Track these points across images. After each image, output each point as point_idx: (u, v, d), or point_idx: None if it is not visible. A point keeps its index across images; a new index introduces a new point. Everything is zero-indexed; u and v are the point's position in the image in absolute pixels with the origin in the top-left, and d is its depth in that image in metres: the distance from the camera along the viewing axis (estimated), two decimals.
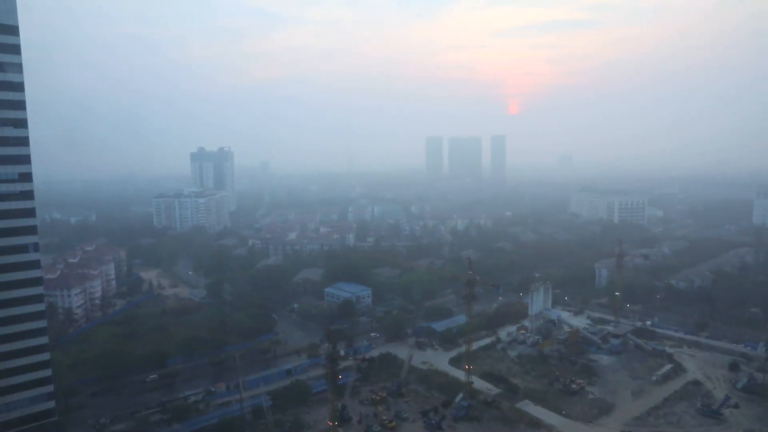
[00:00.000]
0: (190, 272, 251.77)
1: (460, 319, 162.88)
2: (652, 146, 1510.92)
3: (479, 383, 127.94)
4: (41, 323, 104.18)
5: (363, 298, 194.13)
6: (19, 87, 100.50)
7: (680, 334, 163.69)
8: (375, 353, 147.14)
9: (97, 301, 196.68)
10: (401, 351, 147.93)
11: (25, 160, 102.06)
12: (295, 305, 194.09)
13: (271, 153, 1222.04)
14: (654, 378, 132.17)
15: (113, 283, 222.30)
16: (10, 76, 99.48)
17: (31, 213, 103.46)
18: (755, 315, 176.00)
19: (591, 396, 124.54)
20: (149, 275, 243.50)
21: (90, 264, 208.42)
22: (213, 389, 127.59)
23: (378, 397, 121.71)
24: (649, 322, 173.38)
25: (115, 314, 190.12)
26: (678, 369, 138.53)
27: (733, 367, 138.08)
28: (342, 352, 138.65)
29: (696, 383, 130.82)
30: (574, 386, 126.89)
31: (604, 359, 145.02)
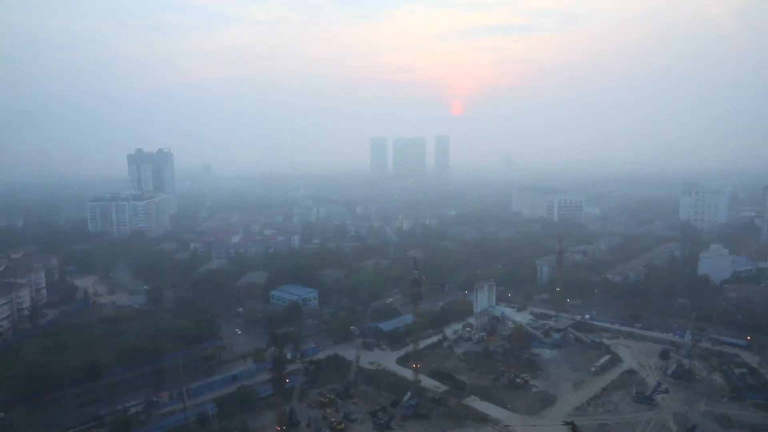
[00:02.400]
0: (128, 278, 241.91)
1: (407, 318, 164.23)
2: (587, 146, 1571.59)
3: (427, 381, 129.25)
4: None
5: (309, 300, 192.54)
6: None
7: (616, 326, 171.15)
8: (322, 355, 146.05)
9: (26, 312, 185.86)
10: (349, 352, 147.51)
11: None
12: (240, 309, 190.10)
13: (214, 154, 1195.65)
14: (593, 369, 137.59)
15: (44, 292, 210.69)
16: None
17: None
18: (683, 305, 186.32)
19: (535, 389, 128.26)
20: (84, 283, 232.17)
21: (17, 272, 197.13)
22: (155, 399, 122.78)
23: (326, 400, 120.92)
24: (588, 316, 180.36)
25: (46, 325, 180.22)
26: (615, 359, 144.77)
27: (664, 355, 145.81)
28: (289, 356, 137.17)
29: (631, 372, 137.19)
30: (518, 380, 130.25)
31: (547, 353, 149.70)
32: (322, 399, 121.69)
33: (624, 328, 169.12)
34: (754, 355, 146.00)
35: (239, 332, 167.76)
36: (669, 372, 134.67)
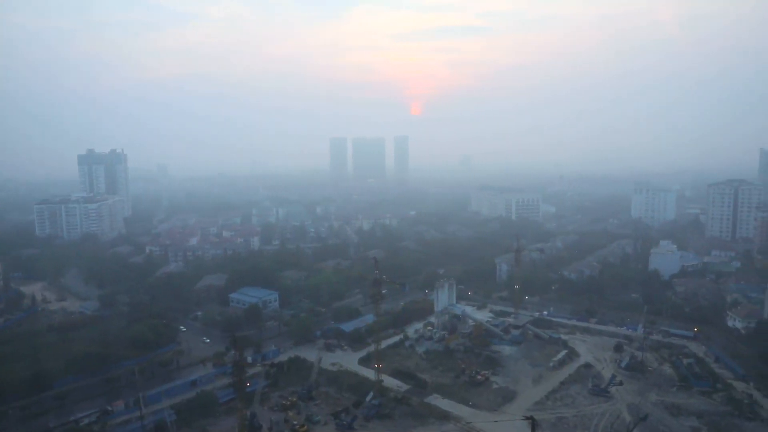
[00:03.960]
0: (80, 284, 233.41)
1: (369, 318, 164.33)
2: (543, 147, 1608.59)
3: (389, 381, 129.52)
4: None
5: (270, 302, 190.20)
6: None
7: (573, 322, 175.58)
8: (283, 357, 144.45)
9: None
10: (310, 354, 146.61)
11: None
12: (199, 313, 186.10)
13: (170, 155, 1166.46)
14: (551, 364, 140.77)
15: None
16: None
17: None
18: (635, 300, 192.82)
19: (495, 386, 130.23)
20: (32, 289, 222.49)
21: None
22: (110, 408, 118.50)
23: (288, 402, 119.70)
24: (545, 312, 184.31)
25: None
26: (572, 354, 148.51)
27: (618, 348, 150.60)
28: (249, 359, 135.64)
29: (587, 366, 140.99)
30: (479, 377, 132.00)
31: (506, 350, 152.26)
32: (283, 402, 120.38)
33: (580, 324, 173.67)
34: (700, 345, 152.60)
35: (207, 340, 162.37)
36: (623, 365, 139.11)
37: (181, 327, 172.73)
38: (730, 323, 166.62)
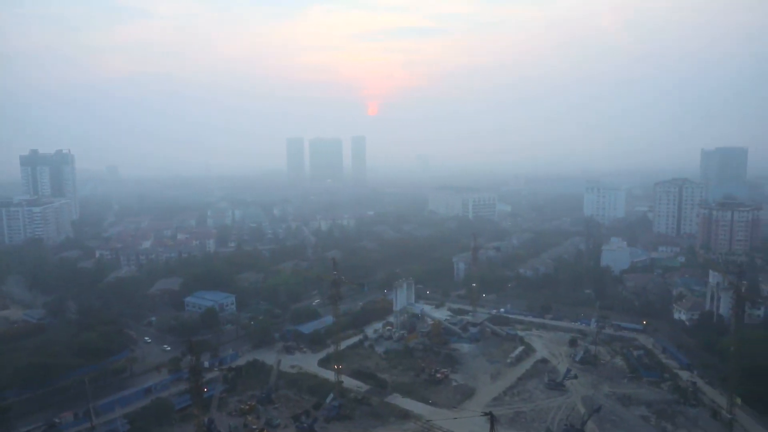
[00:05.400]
0: (24, 290, 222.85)
1: (328, 319, 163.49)
2: (498, 147, 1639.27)
3: (349, 382, 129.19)
4: None
5: (226, 305, 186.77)
6: None
7: (529, 318, 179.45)
8: (242, 361, 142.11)
9: None
10: (269, 357, 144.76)
11: None
12: (153, 318, 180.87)
13: (120, 156, 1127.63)
14: (508, 360, 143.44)
15: None
16: None
17: None
18: (588, 296, 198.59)
19: (455, 383, 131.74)
20: None
21: None
22: (57, 420, 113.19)
23: (247, 407, 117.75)
24: (502, 310, 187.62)
25: None
26: (528, 350, 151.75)
27: (572, 342, 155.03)
28: (206, 364, 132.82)
29: (543, 361, 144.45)
30: (438, 376, 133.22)
31: (465, 347, 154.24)
32: (242, 406, 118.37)
33: (536, 320, 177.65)
34: (649, 337, 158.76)
35: (167, 348, 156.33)
36: (577, 358, 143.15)
37: (133, 333, 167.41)
38: (676, 316, 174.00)
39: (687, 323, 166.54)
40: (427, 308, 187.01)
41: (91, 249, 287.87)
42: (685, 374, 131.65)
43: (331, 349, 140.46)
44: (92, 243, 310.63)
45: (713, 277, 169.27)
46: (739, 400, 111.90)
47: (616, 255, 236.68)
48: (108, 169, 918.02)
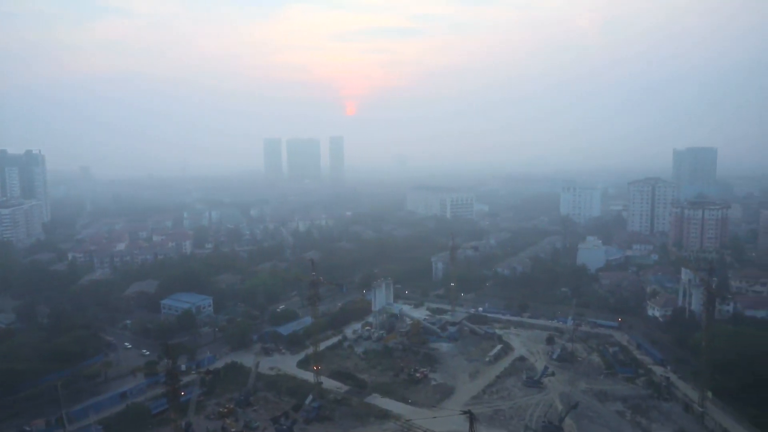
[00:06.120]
0: None
1: (306, 320, 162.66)
2: (475, 147, 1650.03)
3: (328, 383, 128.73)
4: None
5: (203, 307, 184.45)
6: None
7: (507, 317, 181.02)
8: (219, 364, 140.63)
9: None
10: (247, 359, 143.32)
11: None
12: (128, 321, 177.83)
13: (94, 157, 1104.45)
14: (487, 359, 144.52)
15: None
16: None
17: None
18: (565, 294, 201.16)
19: (434, 382, 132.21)
20: None
21: None
22: (28, 428, 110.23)
23: (225, 410, 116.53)
24: (481, 309, 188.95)
25: None
26: (507, 348, 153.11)
27: (549, 340, 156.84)
28: (183, 367, 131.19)
29: (521, 359, 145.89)
30: (418, 375, 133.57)
31: (444, 346, 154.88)
32: (220, 409, 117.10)
33: (514, 318, 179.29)
34: (624, 334, 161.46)
35: (146, 352, 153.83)
36: (554, 356, 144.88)
37: (112, 338, 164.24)
38: (650, 312, 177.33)
39: (660, 319, 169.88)
40: (406, 308, 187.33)
41: (64, 251, 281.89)
42: (659, 369, 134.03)
43: (310, 350, 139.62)
44: (64, 245, 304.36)
45: (685, 274, 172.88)
46: (710, 394, 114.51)
47: (592, 253, 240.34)
48: (81, 170, 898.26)
